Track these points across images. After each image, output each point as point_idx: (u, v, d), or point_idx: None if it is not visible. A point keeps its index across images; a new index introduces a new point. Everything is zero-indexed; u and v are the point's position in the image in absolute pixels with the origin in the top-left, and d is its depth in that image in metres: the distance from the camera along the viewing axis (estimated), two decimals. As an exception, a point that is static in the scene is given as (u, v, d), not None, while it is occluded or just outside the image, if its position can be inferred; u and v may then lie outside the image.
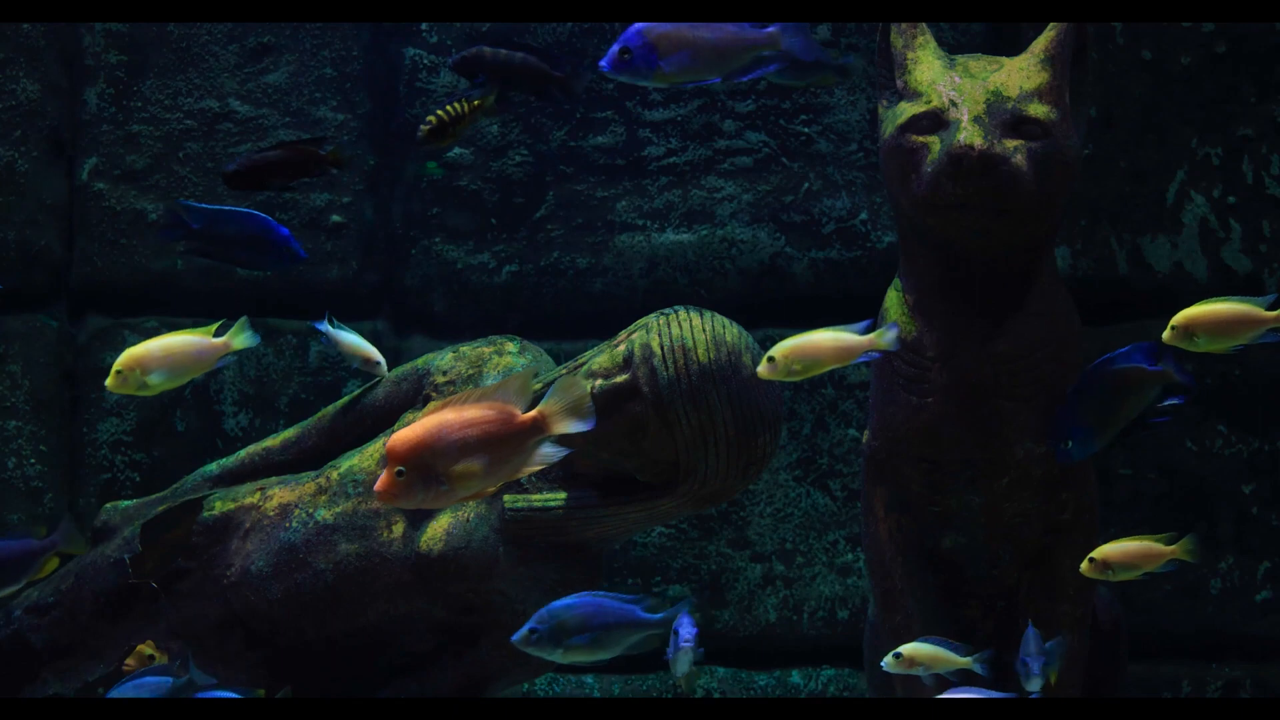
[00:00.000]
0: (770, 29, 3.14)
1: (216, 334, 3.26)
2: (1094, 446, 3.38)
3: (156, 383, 3.19)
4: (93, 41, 4.58)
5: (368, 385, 3.89)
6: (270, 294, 4.59)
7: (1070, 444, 3.36)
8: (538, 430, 2.94)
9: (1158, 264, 4.47)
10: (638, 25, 3.10)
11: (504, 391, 2.94)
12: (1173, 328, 3.29)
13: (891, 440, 3.61)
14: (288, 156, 3.61)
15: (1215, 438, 4.46)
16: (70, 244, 4.60)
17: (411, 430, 2.87)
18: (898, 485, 3.63)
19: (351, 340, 3.89)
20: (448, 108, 3.60)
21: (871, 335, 3.20)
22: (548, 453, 2.96)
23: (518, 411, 2.94)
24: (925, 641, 3.35)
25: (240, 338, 3.24)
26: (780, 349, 3.20)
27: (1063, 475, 3.57)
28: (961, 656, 3.33)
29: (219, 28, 4.57)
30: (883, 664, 3.35)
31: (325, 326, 3.90)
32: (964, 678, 3.37)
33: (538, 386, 3.57)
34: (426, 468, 2.86)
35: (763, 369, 3.21)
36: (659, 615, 3.21)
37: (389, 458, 2.84)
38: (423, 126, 3.60)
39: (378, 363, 3.86)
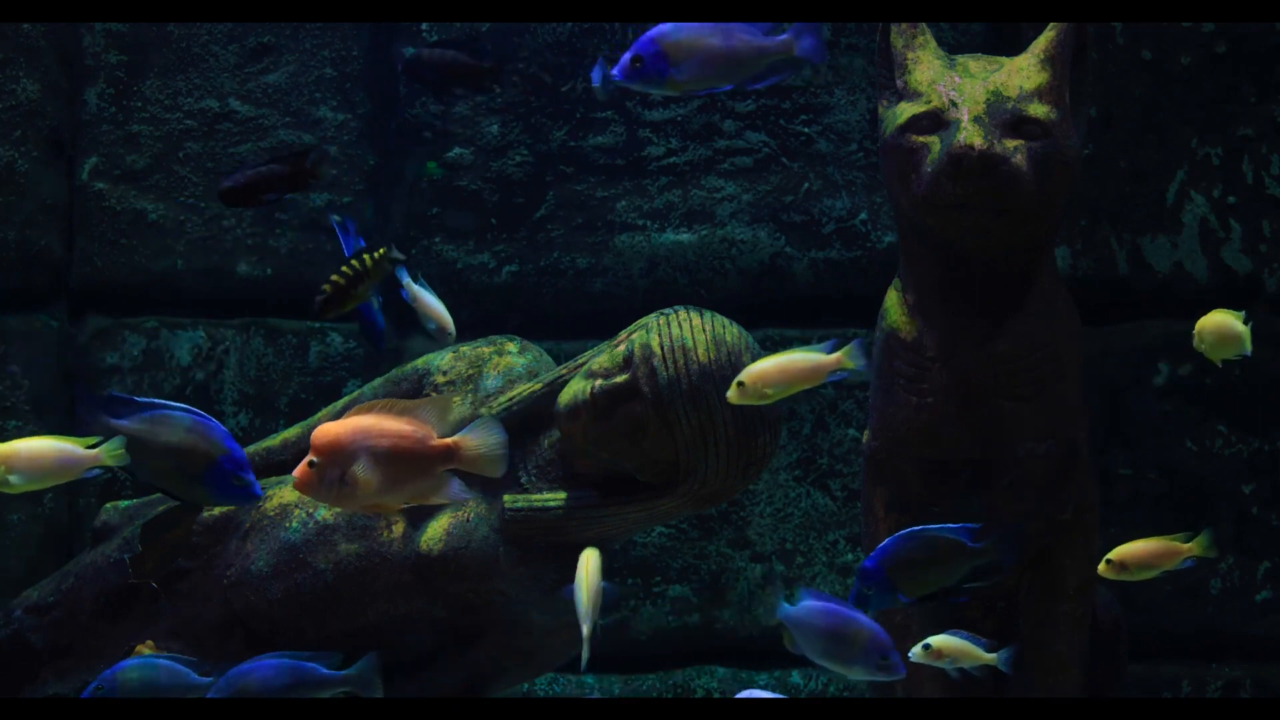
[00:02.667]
0: (784, 35, 3.12)
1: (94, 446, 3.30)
2: (892, 603, 3.24)
3: (17, 484, 3.24)
4: (93, 41, 4.57)
5: (366, 386, 3.89)
6: (270, 294, 4.59)
7: (871, 591, 3.21)
8: (447, 459, 2.95)
9: (1158, 264, 4.47)
10: (649, 33, 3.08)
11: (427, 410, 2.94)
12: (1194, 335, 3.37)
13: (891, 440, 3.61)
14: (280, 172, 3.61)
15: (1215, 438, 4.46)
16: (70, 244, 4.60)
17: (333, 425, 2.90)
18: (898, 485, 3.63)
19: (432, 302, 3.89)
20: (344, 270, 3.49)
21: (838, 354, 3.17)
22: (455, 490, 2.99)
23: (433, 435, 2.93)
24: (953, 635, 3.33)
25: (112, 455, 3.27)
26: (749, 373, 3.17)
27: (1063, 475, 3.57)
28: (987, 653, 3.32)
29: (219, 28, 4.57)
30: (910, 655, 3.33)
31: (406, 278, 3.90)
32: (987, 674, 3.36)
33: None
34: (334, 465, 2.88)
35: (732, 393, 3.19)
36: (341, 673, 3.28)
37: (310, 446, 2.85)
38: (318, 297, 3.50)
39: (449, 334, 3.86)
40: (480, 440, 2.99)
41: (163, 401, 3.20)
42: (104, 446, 3.24)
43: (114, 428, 3.15)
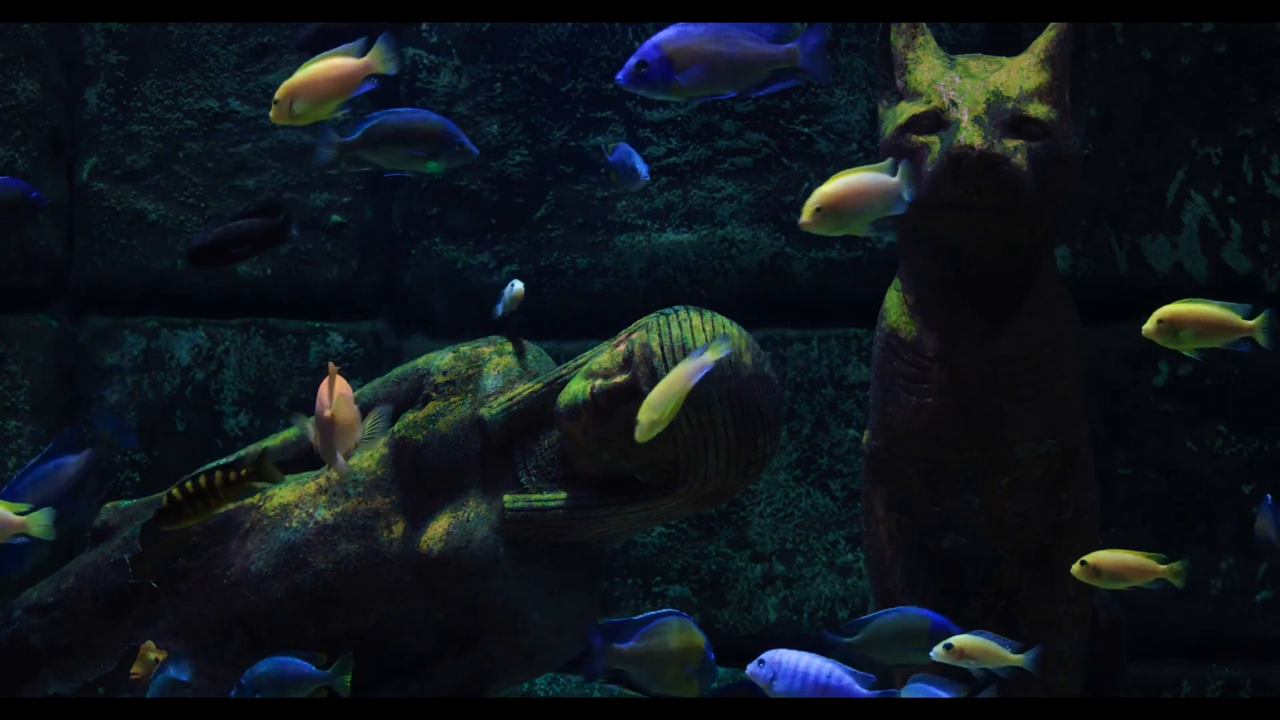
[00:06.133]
0: (789, 44, 3.13)
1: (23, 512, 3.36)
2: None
3: None
4: (93, 41, 4.58)
5: (366, 386, 3.88)
6: (270, 294, 4.59)
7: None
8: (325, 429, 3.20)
9: (1158, 264, 4.47)
10: (654, 39, 3.08)
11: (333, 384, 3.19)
12: (1159, 321, 3.33)
13: (891, 440, 3.61)
14: (249, 228, 3.59)
15: (1215, 438, 4.46)
16: (70, 244, 4.60)
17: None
18: (898, 485, 3.63)
19: (515, 290, 3.87)
20: (186, 485, 3.19)
21: (898, 177, 3.15)
22: (337, 465, 3.23)
23: (324, 408, 3.17)
24: (977, 634, 3.31)
25: (39, 525, 3.33)
26: (822, 195, 3.15)
27: (1063, 475, 3.58)
28: (1013, 653, 3.29)
29: (219, 28, 4.56)
30: (932, 654, 3.32)
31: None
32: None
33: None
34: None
35: (808, 218, 3.15)
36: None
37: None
38: (156, 508, 3.31)
39: (517, 296, 3.83)
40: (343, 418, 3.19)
41: (651, 614, 3.30)
42: (31, 516, 3.31)
43: (623, 653, 3.28)
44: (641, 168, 3.53)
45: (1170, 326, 3.35)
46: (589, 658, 3.27)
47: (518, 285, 3.76)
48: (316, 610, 3.64)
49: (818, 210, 3.15)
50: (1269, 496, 3.58)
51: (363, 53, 3.25)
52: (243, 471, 3.22)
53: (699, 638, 3.27)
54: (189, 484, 3.20)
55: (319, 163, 3.39)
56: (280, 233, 3.58)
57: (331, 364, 3.21)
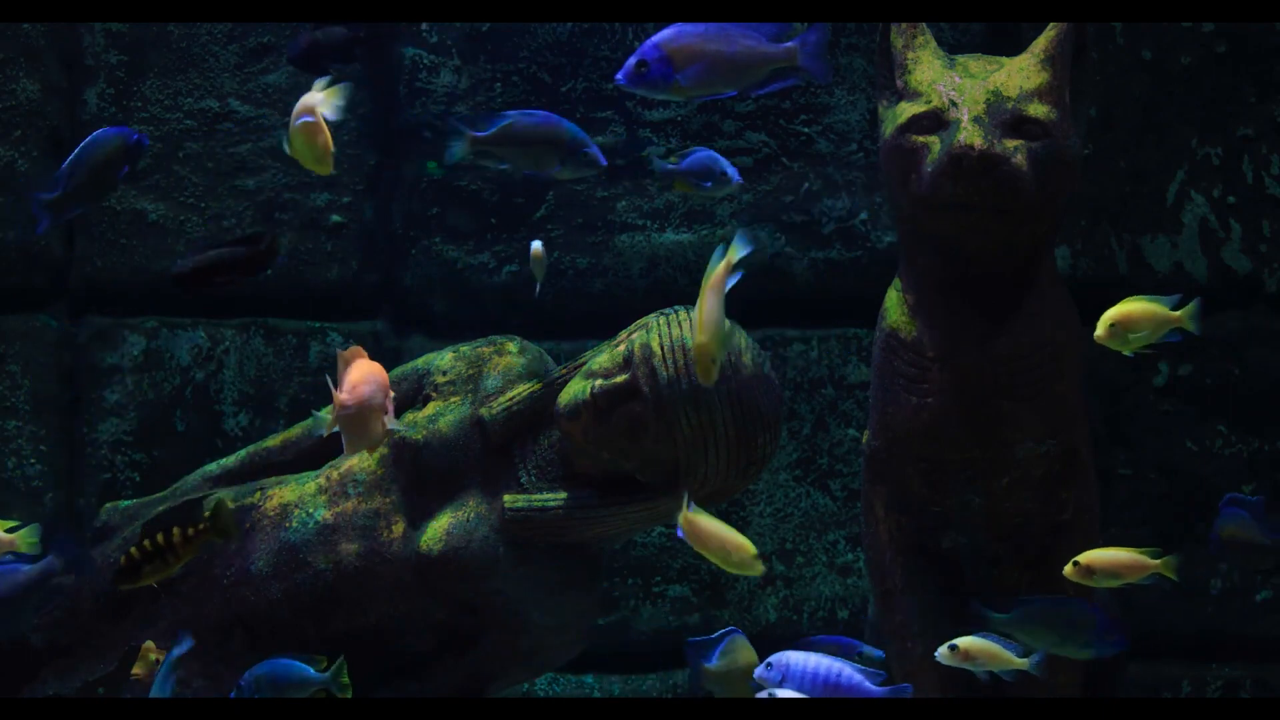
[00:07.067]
0: (789, 44, 3.13)
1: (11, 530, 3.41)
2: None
3: None
4: (93, 41, 4.57)
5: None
6: (270, 294, 4.59)
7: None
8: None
9: (1158, 264, 4.47)
10: (654, 38, 3.09)
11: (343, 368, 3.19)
12: (1111, 325, 3.35)
13: (892, 440, 3.61)
14: (234, 255, 3.59)
15: (1215, 438, 4.47)
16: (70, 244, 4.60)
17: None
18: (898, 485, 3.63)
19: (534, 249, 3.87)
20: (144, 544, 3.23)
21: (726, 256, 3.13)
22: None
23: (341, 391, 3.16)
24: (982, 637, 3.31)
25: (27, 543, 3.39)
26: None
27: (1063, 475, 3.58)
28: (1018, 656, 3.30)
29: (219, 28, 4.56)
30: (936, 655, 3.32)
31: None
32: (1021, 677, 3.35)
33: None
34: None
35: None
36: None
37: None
38: (115, 566, 3.34)
39: (537, 254, 3.83)
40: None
41: (721, 633, 3.47)
42: (20, 533, 3.36)
43: (710, 673, 3.45)
44: (731, 170, 3.53)
45: (1123, 329, 3.38)
46: (693, 678, 3.45)
47: (536, 244, 3.77)
48: (316, 610, 3.64)
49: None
50: (1227, 498, 3.57)
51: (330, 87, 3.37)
52: (200, 526, 3.25)
53: (754, 654, 3.41)
54: (147, 542, 3.23)
55: (451, 155, 3.45)
56: (263, 260, 3.59)
57: (357, 347, 3.21)
